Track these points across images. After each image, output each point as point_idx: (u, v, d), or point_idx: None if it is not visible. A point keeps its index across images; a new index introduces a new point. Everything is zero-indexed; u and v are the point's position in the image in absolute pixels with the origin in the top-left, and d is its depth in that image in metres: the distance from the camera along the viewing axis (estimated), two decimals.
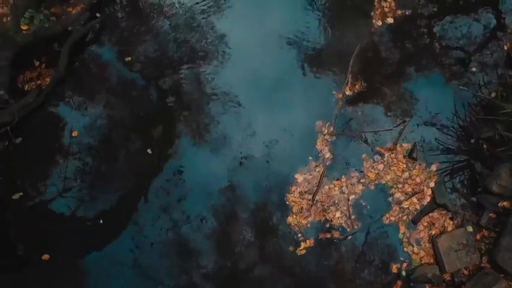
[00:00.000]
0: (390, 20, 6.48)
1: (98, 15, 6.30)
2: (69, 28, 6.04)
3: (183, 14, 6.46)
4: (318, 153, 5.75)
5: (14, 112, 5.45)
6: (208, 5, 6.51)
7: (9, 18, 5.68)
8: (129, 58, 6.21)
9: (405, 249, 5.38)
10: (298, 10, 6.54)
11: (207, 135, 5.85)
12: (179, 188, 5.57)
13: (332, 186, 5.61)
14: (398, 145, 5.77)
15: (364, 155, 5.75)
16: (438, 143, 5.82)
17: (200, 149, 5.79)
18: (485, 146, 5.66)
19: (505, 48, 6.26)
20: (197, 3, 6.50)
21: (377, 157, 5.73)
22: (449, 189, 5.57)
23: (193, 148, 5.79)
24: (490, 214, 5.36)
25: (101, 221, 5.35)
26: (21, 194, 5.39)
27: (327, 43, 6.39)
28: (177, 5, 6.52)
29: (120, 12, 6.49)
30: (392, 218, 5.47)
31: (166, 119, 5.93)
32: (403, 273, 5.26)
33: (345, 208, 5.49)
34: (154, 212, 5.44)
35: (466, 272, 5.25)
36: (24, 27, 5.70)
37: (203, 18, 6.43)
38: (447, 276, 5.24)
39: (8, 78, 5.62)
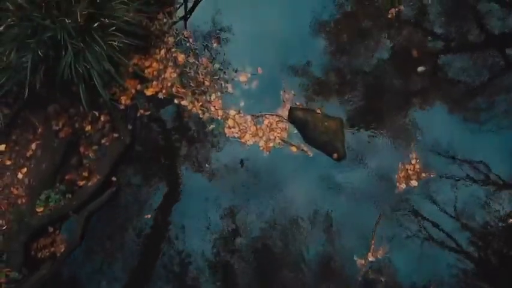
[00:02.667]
0: (414, 183, 6.22)
1: (113, 179, 6.25)
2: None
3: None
4: None
5: None
6: None
7: (24, 201, 5.68)
8: (149, 216, 6.15)
9: None
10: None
11: None
12: None
13: None
14: None
15: None
16: None
17: None
18: None
19: None
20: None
21: None
22: None
23: None
24: None
25: None
26: None
27: (347, 214, 6.18)
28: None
29: (136, 172, 6.43)
30: None
31: None
32: None
33: None
34: None
35: None
36: (39, 210, 5.71)
37: None
38: None
39: (22, 260, 5.61)
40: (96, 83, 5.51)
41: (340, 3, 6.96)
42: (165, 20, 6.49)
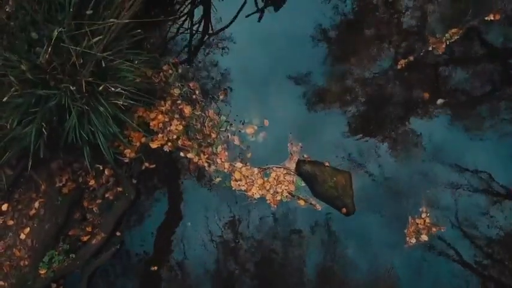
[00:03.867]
0: (424, 237, 6.10)
1: (118, 233, 6.14)
2: None
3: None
4: None
5: None
6: None
7: (27, 263, 5.57)
8: (155, 267, 6.01)
9: None
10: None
11: None
12: None
13: None
14: None
15: None
16: None
17: None
18: None
19: None
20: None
21: None
22: None
23: None
24: None
25: None
26: None
27: None
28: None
29: (141, 225, 6.32)
30: None
31: None
32: None
33: None
34: None
35: None
36: (42, 272, 5.59)
37: None
38: None
39: None
40: (100, 144, 5.40)
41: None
42: (170, 72, 6.38)
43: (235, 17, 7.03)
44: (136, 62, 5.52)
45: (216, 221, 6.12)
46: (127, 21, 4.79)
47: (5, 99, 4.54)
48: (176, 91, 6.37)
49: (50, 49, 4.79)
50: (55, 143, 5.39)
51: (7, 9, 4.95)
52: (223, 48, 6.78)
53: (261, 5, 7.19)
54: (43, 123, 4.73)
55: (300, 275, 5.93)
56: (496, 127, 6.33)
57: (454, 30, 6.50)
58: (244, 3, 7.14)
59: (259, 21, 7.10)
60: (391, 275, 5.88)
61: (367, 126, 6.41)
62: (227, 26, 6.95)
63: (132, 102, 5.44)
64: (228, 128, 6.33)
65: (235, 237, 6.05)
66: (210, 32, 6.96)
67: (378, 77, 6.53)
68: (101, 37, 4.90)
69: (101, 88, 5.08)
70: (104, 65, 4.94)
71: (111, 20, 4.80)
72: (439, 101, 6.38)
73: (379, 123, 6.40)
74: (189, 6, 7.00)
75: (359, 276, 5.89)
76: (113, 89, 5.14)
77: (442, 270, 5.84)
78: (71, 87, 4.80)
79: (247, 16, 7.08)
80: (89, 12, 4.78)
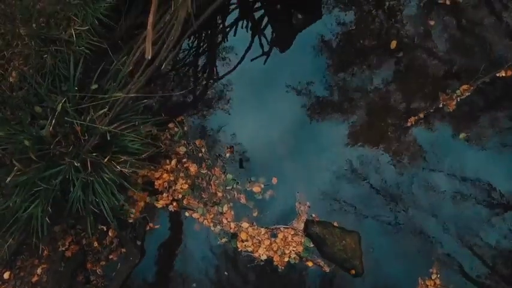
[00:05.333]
0: None
1: None
2: None
3: None
4: None
5: None
6: None
7: None
8: None
9: None
10: None
11: None
12: None
13: None
14: None
15: None
16: None
17: None
18: None
19: None
20: None
21: None
22: None
23: None
24: None
25: None
26: None
27: None
28: None
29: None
30: None
31: None
32: None
33: None
34: None
35: None
36: None
37: None
38: None
39: None
40: (104, 211, 5.27)
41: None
42: (176, 130, 6.26)
43: (240, 62, 6.93)
44: (142, 127, 5.40)
45: (223, 282, 5.99)
46: (134, 95, 4.66)
47: (8, 180, 4.41)
48: (182, 149, 6.25)
49: (53, 121, 4.67)
50: (58, 211, 5.27)
51: (10, 80, 4.84)
52: (228, 101, 6.67)
53: (266, 47, 7.10)
54: (47, 203, 4.59)
55: None
56: (497, 137, 6.30)
57: (465, 87, 6.38)
58: (249, 47, 7.04)
59: (264, 64, 7.00)
60: None
61: (373, 177, 6.30)
62: (233, 70, 6.85)
63: (137, 170, 5.32)
64: (234, 186, 6.20)
65: None
66: (215, 77, 6.86)
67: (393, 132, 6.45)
68: (105, 110, 4.77)
69: (105, 160, 4.95)
70: (109, 138, 4.81)
71: (117, 94, 4.67)
72: (462, 135, 6.28)
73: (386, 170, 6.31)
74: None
75: None
76: (118, 156, 5.03)
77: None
78: (75, 164, 4.66)
79: (252, 60, 6.98)
80: (93, 87, 4.65)
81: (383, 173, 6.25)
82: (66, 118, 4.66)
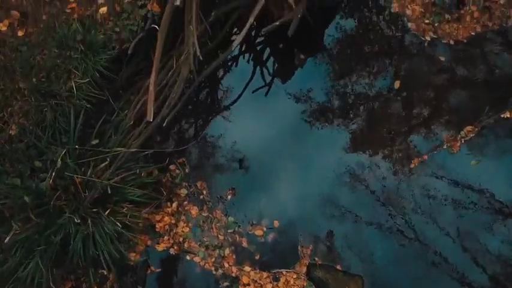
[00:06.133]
0: None
1: None
2: None
3: None
4: None
5: None
6: None
7: None
8: None
9: None
10: None
11: None
12: None
13: None
14: None
15: None
16: None
17: None
18: None
19: None
20: None
21: None
22: None
23: None
24: None
25: None
26: None
27: None
28: None
29: None
30: None
31: None
32: None
33: None
34: None
35: None
36: None
37: None
38: None
39: None
40: (103, 262, 5.22)
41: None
42: (177, 172, 6.20)
43: (242, 93, 6.88)
44: (143, 175, 5.36)
45: None
46: (135, 150, 4.61)
47: (7, 240, 4.36)
48: (183, 191, 6.19)
49: (53, 174, 4.63)
50: (58, 262, 5.21)
51: (10, 133, 4.79)
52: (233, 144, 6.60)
53: (268, 79, 7.05)
54: (49, 259, 4.55)
55: None
56: (498, 144, 6.33)
57: (469, 128, 6.33)
58: (250, 79, 7.00)
59: (266, 95, 6.95)
60: None
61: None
62: (234, 102, 6.79)
63: (138, 220, 5.29)
64: (236, 229, 6.14)
65: None
66: (216, 111, 6.79)
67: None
68: (106, 163, 4.72)
69: (106, 213, 4.91)
70: (109, 191, 4.76)
71: (118, 149, 4.62)
72: (473, 162, 6.24)
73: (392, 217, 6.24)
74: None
75: None
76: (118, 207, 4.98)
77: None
78: (76, 219, 4.61)
79: (254, 92, 6.93)
80: (94, 142, 4.60)
81: (383, 180, 6.25)
82: (66, 173, 4.60)
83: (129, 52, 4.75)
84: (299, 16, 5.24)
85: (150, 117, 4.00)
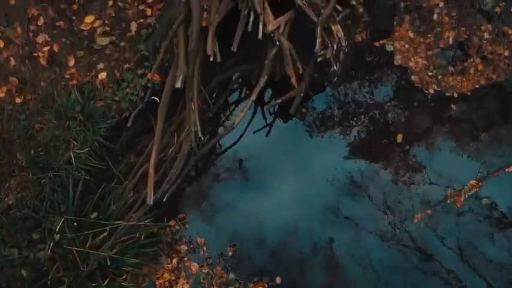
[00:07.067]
0: None
1: None
2: None
3: None
4: None
5: None
6: None
7: None
8: None
9: None
10: None
11: None
12: None
13: None
14: None
15: None
16: None
17: None
18: None
19: None
20: None
21: None
22: None
23: None
24: None
25: None
26: None
27: None
28: None
29: None
30: None
31: None
32: None
33: None
34: None
35: None
36: None
37: None
38: None
39: None
40: None
41: None
42: (177, 227, 6.13)
43: (242, 134, 6.81)
44: (142, 238, 5.30)
45: None
46: (134, 223, 4.54)
47: None
48: (183, 247, 6.12)
49: (51, 244, 4.56)
50: None
51: (10, 202, 4.74)
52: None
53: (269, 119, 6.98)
54: None
55: None
56: (498, 153, 6.29)
57: (473, 182, 6.24)
58: (251, 120, 6.93)
59: (267, 136, 6.88)
60: None
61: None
62: (235, 143, 6.66)
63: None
64: (237, 286, 6.06)
65: None
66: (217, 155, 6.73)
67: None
68: (105, 234, 4.66)
69: (106, 282, 4.84)
70: (109, 263, 4.70)
71: (117, 222, 4.56)
72: (484, 200, 6.13)
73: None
74: None
75: None
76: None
77: None
78: None
79: (255, 132, 6.86)
80: (93, 215, 4.54)
81: (383, 188, 6.22)
82: (64, 246, 4.53)
83: (128, 125, 4.70)
84: (301, 95, 5.24)
85: (150, 200, 3.93)
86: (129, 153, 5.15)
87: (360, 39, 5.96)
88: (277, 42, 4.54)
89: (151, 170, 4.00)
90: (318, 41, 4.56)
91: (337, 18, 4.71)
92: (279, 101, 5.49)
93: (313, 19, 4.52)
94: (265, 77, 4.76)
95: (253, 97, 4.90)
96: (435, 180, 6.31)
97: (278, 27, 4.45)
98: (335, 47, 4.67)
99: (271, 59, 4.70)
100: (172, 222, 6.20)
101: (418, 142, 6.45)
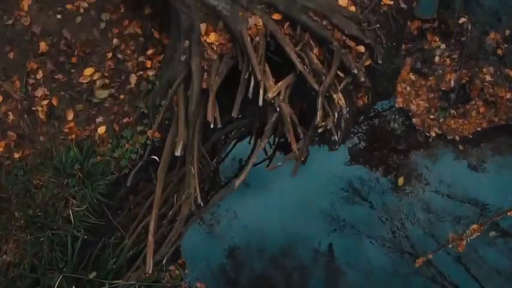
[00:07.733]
0: None
1: None
2: None
3: None
4: None
5: None
6: None
7: None
8: None
9: None
10: None
11: None
12: None
13: None
14: None
15: None
16: None
17: None
18: None
19: None
20: None
21: None
22: None
23: None
24: None
25: None
26: None
27: None
28: None
29: None
30: None
31: None
32: None
33: None
34: None
35: None
36: None
37: None
38: None
39: None
40: None
41: None
42: (177, 272, 6.09)
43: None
44: None
45: None
46: (132, 283, 4.51)
47: None
48: None
49: None
50: None
51: (8, 260, 4.71)
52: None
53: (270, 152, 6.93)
54: None
55: None
56: (498, 159, 6.35)
57: (475, 227, 6.18)
58: (251, 152, 6.88)
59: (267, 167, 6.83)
60: None
61: None
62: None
63: None
64: None
65: None
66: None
67: None
68: None
69: None
70: None
71: (116, 281, 4.52)
72: (491, 233, 6.14)
73: None
74: None
75: None
76: None
77: None
78: None
79: (255, 165, 6.81)
80: (92, 275, 4.51)
81: (382, 195, 6.28)
82: None
83: (128, 184, 4.67)
84: (302, 159, 5.22)
85: (149, 269, 3.90)
86: (128, 203, 5.12)
87: (361, 103, 5.91)
88: (278, 109, 4.49)
89: (150, 237, 3.97)
90: (319, 113, 4.49)
91: (339, 87, 4.64)
92: (280, 164, 5.44)
93: (314, 87, 4.46)
94: (266, 140, 4.73)
95: (253, 159, 4.87)
96: (437, 226, 6.30)
97: (279, 93, 4.41)
98: (336, 115, 4.62)
99: (271, 124, 4.67)
100: (172, 267, 6.19)
101: (419, 186, 6.42)
